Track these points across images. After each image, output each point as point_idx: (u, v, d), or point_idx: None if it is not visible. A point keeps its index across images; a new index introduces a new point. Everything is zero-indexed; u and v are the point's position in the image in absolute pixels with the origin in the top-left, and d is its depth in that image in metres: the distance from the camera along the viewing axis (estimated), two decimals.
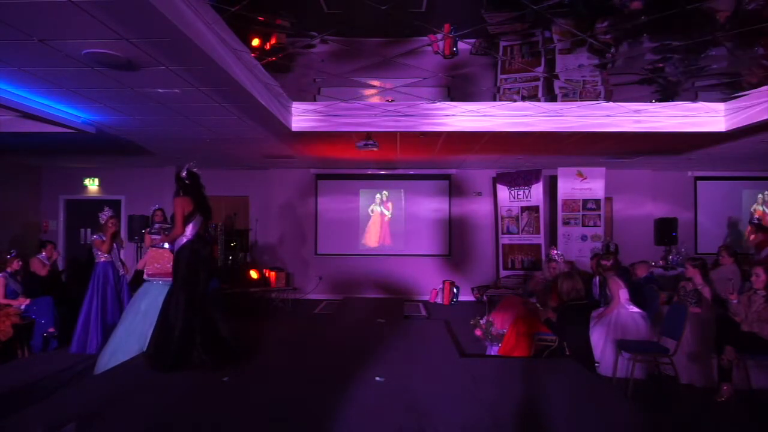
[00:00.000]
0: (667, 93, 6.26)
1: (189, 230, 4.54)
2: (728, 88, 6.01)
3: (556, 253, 6.63)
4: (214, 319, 4.64)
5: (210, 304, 4.68)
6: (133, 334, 4.89)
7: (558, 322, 5.33)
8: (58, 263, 7.46)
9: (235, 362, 4.49)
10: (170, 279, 4.65)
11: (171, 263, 4.80)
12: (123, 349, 4.82)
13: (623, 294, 5.42)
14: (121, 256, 6.33)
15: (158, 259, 5.19)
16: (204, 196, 4.78)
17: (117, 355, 4.78)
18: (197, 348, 4.40)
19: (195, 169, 4.68)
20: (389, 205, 10.48)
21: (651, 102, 6.42)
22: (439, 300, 9.83)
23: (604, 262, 6.05)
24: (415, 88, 6.92)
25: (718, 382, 4.53)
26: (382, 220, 10.47)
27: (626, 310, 5.32)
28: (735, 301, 4.71)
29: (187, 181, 4.61)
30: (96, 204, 9.20)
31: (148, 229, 5.86)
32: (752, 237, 7.47)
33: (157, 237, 5.64)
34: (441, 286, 9.89)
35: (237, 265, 9.38)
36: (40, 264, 6.70)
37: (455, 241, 10.34)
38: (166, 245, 5.06)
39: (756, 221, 8.37)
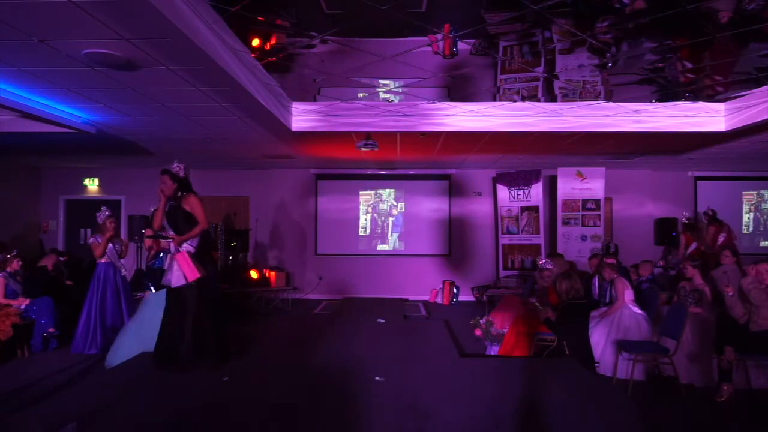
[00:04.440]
0: (666, 93, 6.29)
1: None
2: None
3: (545, 261, 6.57)
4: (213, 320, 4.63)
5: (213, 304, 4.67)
6: (145, 331, 4.88)
7: (557, 321, 5.33)
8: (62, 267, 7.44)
9: (224, 363, 4.45)
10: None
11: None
12: (132, 348, 4.83)
13: (628, 294, 5.41)
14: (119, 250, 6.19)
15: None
16: None
17: (127, 353, 4.79)
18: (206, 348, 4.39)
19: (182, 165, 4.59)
20: (390, 204, 10.48)
21: (651, 102, 6.42)
22: (439, 300, 9.84)
23: (608, 261, 6.03)
24: (415, 88, 6.92)
25: (718, 382, 4.53)
26: (382, 219, 10.47)
27: (630, 310, 5.32)
28: (731, 294, 4.67)
29: (187, 180, 4.58)
30: (96, 204, 9.23)
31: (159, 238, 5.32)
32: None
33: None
34: (441, 286, 9.89)
35: (237, 265, 9.38)
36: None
37: (455, 241, 10.34)
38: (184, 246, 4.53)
39: (710, 213, 8.45)
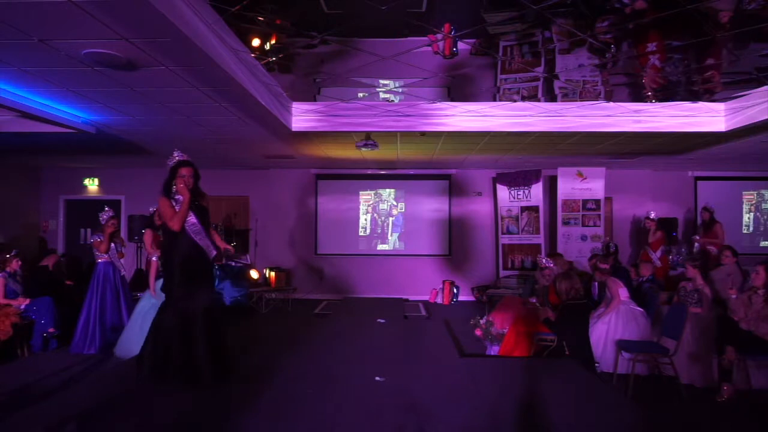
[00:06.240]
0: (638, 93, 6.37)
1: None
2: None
3: (545, 260, 6.56)
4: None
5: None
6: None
7: (557, 321, 5.33)
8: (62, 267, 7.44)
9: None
10: None
11: None
12: (136, 345, 4.81)
13: (623, 292, 5.42)
14: (119, 250, 6.18)
15: None
16: None
17: (131, 351, 4.78)
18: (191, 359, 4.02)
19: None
20: (390, 204, 10.48)
21: (651, 102, 6.43)
22: (439, 300, 9.83)
23: (602, 266, 6.03)
24: (415, 88, 6.93)
25: (718, 382, 4.53)
26: (382, 219, 10.47)
27: (627, 306, 5.32)
28: (734, 296, 4.68)
29: None
30: (96, 204, 9.24)
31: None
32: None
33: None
34: (441, 286, 9.89)
35: None
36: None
37: (455, 241, 10.34)
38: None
39: (711, 210, 8.38)
